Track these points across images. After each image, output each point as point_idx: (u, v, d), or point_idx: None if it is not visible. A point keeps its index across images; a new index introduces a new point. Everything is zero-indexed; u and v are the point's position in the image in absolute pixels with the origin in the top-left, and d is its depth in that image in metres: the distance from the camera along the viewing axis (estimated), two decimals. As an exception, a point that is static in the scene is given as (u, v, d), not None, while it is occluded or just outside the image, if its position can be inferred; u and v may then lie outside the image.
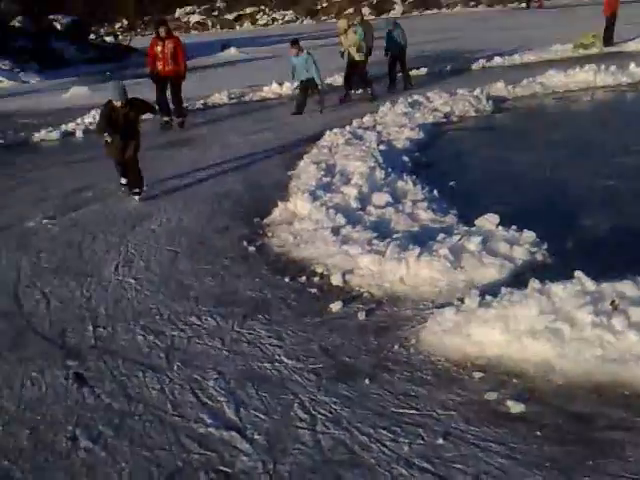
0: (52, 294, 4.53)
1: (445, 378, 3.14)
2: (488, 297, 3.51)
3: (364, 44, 12.11)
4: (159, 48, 10.15)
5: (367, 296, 4.13)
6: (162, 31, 10.22)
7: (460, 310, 3.47)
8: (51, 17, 32.17)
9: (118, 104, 6.23)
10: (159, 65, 10.24)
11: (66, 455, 2.82)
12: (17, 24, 28.41)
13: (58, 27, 31.24)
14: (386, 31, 13.23)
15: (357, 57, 11.96)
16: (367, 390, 3.11)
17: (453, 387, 3.06)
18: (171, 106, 10.72)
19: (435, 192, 5.65)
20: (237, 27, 55.78)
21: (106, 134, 6.32)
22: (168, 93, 10.56)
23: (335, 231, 4.97)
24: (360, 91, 12.68)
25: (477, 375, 3.13)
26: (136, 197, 6.69)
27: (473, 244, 4.25)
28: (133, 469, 2.70)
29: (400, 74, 13.42)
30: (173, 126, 10.74)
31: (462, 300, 3.61)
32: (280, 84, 14.37)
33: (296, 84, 11.99)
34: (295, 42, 10.99)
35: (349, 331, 3.71)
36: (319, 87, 11.06)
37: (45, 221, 6.18)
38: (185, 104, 11.23)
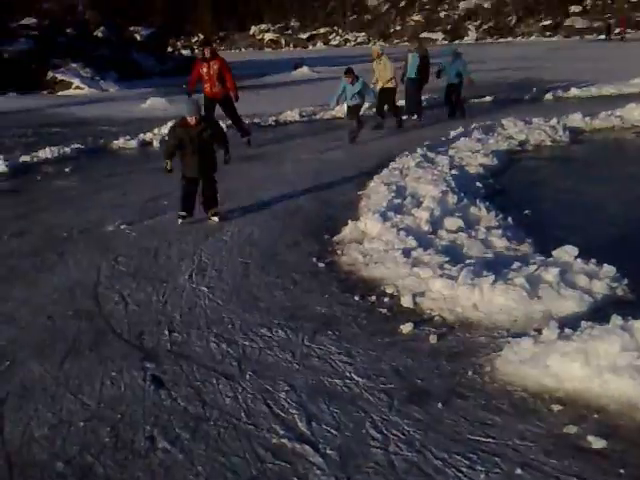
0: (130, 297, 4.69)
1: (522, 408, 3.09)
2: (567, 330, 3.44)
3: (400, 72, 12.52)
4: (204, 69, 9.88)
5: (439, 320, 4.11)
6: (207, 52, 9.95)
7: (538, 341, 3.41)
8: (132, 29, 33.58)
9: (192, 121, 5.97)
10: (206, 87, 10.00)
11: (145, 454, 2.91)
12: (100, 34, 29.71)
13: (138, 38, 32.54)
14: (448, 59, 13.12)
15: (388, 84, 11.94)
16: (441, 414, 3.09)
17: (531, 418, 3.00)
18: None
19: (509, 219, 5.58)
20: (310, 46, 56.73)
21: (168, 162, 6.22)
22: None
23: (406, 253, 4.97)
24: (415, 117, 12.97)
25: (556, 408, 3.06)
26: (215, 218, 6.47)
27: (551, 275, 4.18)
28: (210, 473, 2.76)
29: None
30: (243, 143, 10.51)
31: (540, 331, 3.55)
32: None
33: (337, 107, 12.26)
34: (349, 71, 10.66)
35: (421, 354, 3.70)
36: (363, 107, 11.08)
37: (123, 226, 6.41)
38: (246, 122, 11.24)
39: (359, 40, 58.17)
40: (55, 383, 3.52)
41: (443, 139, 9.46)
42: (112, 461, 2.87)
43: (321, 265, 5.21)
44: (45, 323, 4.29)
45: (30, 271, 5.27)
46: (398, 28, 58.18)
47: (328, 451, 2.88)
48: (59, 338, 4.05)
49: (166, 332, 4.12)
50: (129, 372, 3.63)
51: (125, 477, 2.76)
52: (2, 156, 9.79)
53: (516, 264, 4.44)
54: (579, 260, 4.42)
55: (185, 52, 36.24)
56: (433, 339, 3.82)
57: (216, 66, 9.83)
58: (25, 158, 10.13)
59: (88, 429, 3.11)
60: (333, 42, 59.35)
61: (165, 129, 12.24)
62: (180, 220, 6.33)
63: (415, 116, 13.08)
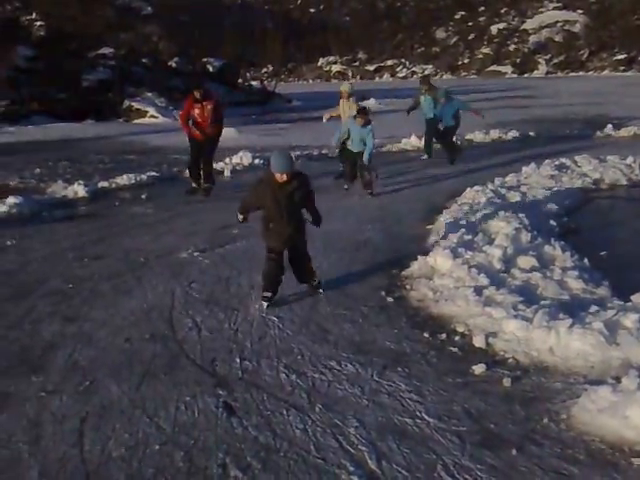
0: (202, 323, 4.81)
1: (600, 460, 2.99)
2: (649, 378, 3.31)
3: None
4: (197, 111, 9.23)
5: (512, 362, 4.03)
6: (197, 94, 9.20)
7: (617, 390, 3.30)
8: (204, 60, 34.81)
9: (282, 178, 4.80)
10: (197, 131, 9.35)
11: (217, 482, 2.96)
12: (173, 64, 30.92)
13: (210, 69, 33.68)
14: (441, 101, 12.33)
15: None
16: (515, 461, 3.02)
17: (609, 471, 2.90)
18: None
19: (585, 261, 5.45)
20: (377, 78, 57.32)
21: (242, 216, 5.23)
22: None
23: (478, 291, 4.91)
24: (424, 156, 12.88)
25: (636, 462, 2.95)
26: (320, 290, 5.42)
27: (630, 321, 4.05)
28: (280, 505, 2.78)
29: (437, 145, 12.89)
30: (199, 192, 9.72)
31: (618, 379, 3.43)
32: (419, 137, 14.52)
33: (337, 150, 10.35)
34: (364, 111, 9.34)
35: (494, 397, 3.63)
36: (365, 164, 9.36)
37: (196, 254, 6.59)
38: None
39: (426, 72, 58.34)
40: (132, 405, 3.63)
41: (514, 174, 9.34)
42: (186, 486, 2.93)
43: (390, 299, 5.21)
44: (123, 345, 4.44)
45: (109, 293, 5.49)
46: (466, 61, 58.02)
47: (399, 492, 2.86)
48: (136, 360, 4.19)
49: (237, 360, 4.20)
50: (202, 398, 3.71)
51: (198, 503, 2.82)
52: (82, 182, 10.28)
53: (593, 308, 4.32)
54: (661, 306, 4.27)
55: (254, 83, 37.18)
56: (507, 382, 3.75)
57: (210, 106, 9.25)
58: (103, 184, 10.60)
59: (163, 453, 3.19)
60: (400, 74, 59.72)
61: (235, 159, 12.61)
62: (266, 304, 5.10)
63: (425, 155, 13.00)
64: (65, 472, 3.04)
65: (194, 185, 9.79)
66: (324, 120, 12.04)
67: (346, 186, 9.67)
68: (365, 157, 9.15)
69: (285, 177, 4.79)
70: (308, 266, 5.34)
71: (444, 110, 12.17)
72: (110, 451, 3.21)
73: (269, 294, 5.13)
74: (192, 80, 29.32)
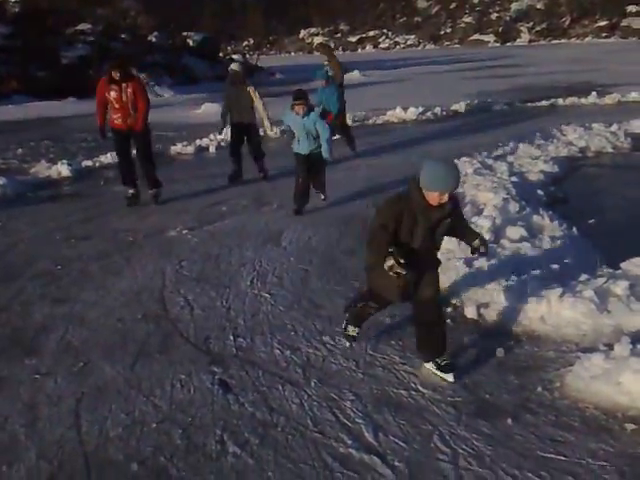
0: (195, 302, 4.79)
1: (594, 426, 3.03)
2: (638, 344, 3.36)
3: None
4: (113, 94, 7.25)
5: (504, 332, 4.06)
6: (115, 74, 7.21)
7: (609, 357, 3.34)
8: (184, 34, 34.22)
9: (443, 198, 3.28)
10: (116, 118, 7.38)
11: (216, 458, 2.97)
12: (153, 39, 30.37)
13: (190, 43, 33.14)
14: (321, 83, 10.07)
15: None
16: (510, 430, 3.06)
17: (604, 436, 2.95)
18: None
19: (574, 229, 5.48)
20: (359, 50, 56.78)
21: (393, 262, 3.28)
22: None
23: (468, 262, 4.93)
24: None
25: (629, 427, 3.00)
26: None
27: (620, 288, 4.09)
28: (279, 479, 2.80)
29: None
30: (140, 201, 7.82)
31: (611, 346, 3.47)
32: (404, 109, 14.47)
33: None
34: (301, 96, 6.79)
35: (487, 367, 3.67)
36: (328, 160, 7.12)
37: (185, 232, 6.55)
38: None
39: (409, 42, 57.87)
40: (127, 385, 3.63)
41: (500, 145, 9.33)
42: (185, 463, 2.94)
43: (381, 273, 5.21)
44: (115, 325, 4.42)
45: (98, 274, 5.45)
46: (448, 30, 57.61)
47: (396, 463, 2.89)
48: (129, 340, 4.18)
49: (231, 337, 4.20)
50: (198, 376, 3.71)
51: (198, 480, 2.84)
52: (66, 161, 10.14)
53: (584, 276, 4.36)
54: (649, 273, 4.31)
55: (236, 57, 36.67)
56: (500, 352, 3.78)
57: (130, 89, 7.28)
58: (87, 163, 10.46)
59: (161, 431, 3.20)
60: (382, 45, 59.18)
61: (220, 135, 12.44)
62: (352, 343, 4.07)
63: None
64: (63, 453, 3.04)
65: (131, 192, 7.78)
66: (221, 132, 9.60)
67: (296, 207, 7.07)
68: (325, 152, 6.84)
69: (446, 198, 3.31)
70: (443, 339, 3.66)
71: (324, 94, 9.91)
72: (107, 431, 3.21)
73: (356, 330, 4.01)
74: (172, 55, 28.94)
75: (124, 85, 7.26)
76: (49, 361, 3.94)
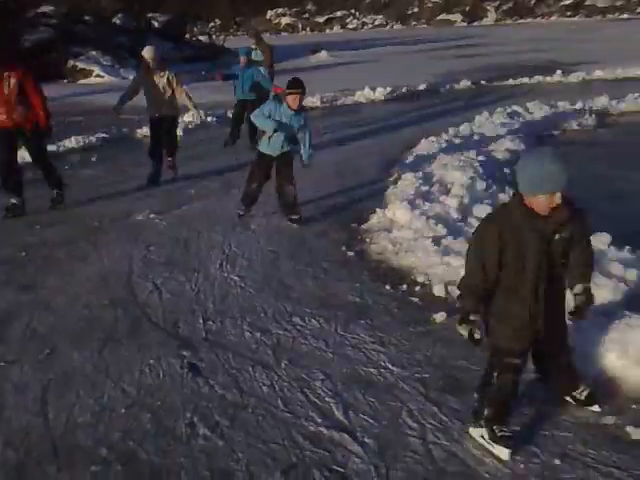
0: (163, 286, 4.75)
1: (559, 399, 3.09)
2: (602, 319, 3.43)
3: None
4: None
5: (472, 309, 4.11)
6: None
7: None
8: (149, 15, 33.58)
9: (555, 201, 2.54)
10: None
11: (186, 441, 2.97)
12: (117, 21, 29.76)
13: (155, 25, 32.55)
14: (240, 63, 9.47)
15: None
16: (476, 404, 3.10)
17: (569, 408, 3.01)
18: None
19: (540, 207, 5.54)
20: (327, 30, 56.40)
21: (473, 318, 2.69)
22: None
23: (436, 241, 4.98)
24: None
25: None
26: None
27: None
28: (250, 460, 2.81)
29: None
30: (25, 212, 6.68)
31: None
32: (372, 89, 14.45)
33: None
34: (300, 86, 5.72)
35: (455, 343, 3.69)
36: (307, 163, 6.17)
37: (152, 215, 6.47)
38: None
39: (376, 23, 57.65)
40: (95, 371, 3.60)
41: (467, 124, 9.38)
42: (154, 447, 2.94)
43: (350, 254, 5.24)
44: (82, 312, 4.37)
45: (64, 260, 5.36)
46: (416, 10, 57.51)
47: (366, 440, 2.92)
48: (96, 326, 4.13)
49: (201, 321, 4.18)
50: (167, 360, 3.69)
51: (168, 463, 2.83)
52: (29, 145, 9.88)
53: (548, 252, 4.41)
54: (612, 248, 4.40)
55: (203, 38, 36.12)
56: (466, 328, 3.83)
57: (14, 80, 6.19)
58: (51, 147, 10.20)
59: (130, 416, 3.18)
60: (350, 25, 58.89)
61: (187, 117, 12.27)
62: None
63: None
64: (30, 441, 3.01)
65: (13, 202, 6.60)
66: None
67: (241, 212, 6.27)
68: (307, 156, 6.03)
69: (559, 200, 2.54)
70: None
71: (243, 77, 9.43)
72: (75, 417, 3.18)
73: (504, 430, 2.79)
74: (137, 37, 28.37)
75: (6, 74, 6.17)
76: (15, 348, 3.89)
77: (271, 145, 5.91)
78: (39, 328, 4.16)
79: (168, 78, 7.69)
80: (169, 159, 8.09)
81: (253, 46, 10.47)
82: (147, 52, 7.70)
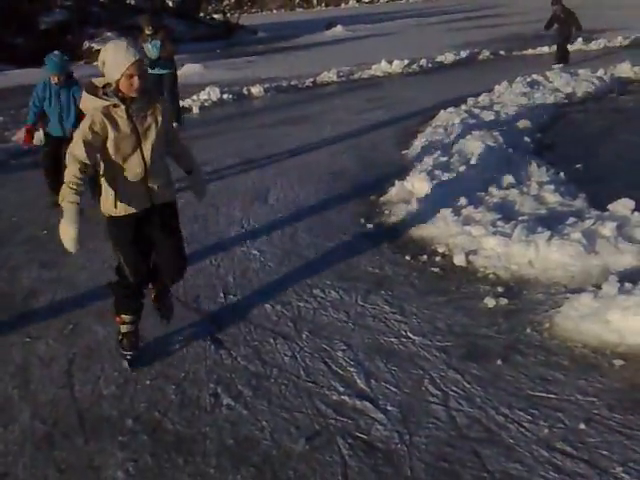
0: (183, 261, 4.76)
1: (583, 364, 3.07)
2: (627, 284, 3.38)
3: None
4: None
5: (493, 278, 4.08)
6: None
7: (598, 296, 3.36)
8: (164, -6, 33.39)
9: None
10: None
11: (210, 410, 2.99)
12: (132, 1, 29.67)
13: (170, 4, 32.40)
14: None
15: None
16: (500, 371, 3.09)
17: (593, 373, 2.99)
18: None
19: (561, 175, 5.46)
20: (342, 4, 55.68)
21: None
22: None
23: (456, 211, 4.92)
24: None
25: (618, 363, 3.04)
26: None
27: (607, 229, 4.10)
28: (274, 428, 2.83)
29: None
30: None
31: (599, 286, 3.50)
32: (390, 62, 14.28)
33: None
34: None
35: (476, 312, 3.69)
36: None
37: (171, 192, 6.47)
38: None
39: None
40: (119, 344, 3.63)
41: (486, 94, 9.24)
42: (179, 417, 2.96)
43: (369, 226, 5.21)
44: (104, 288, 4.39)
45: (85, 238, 5.34)
46: (432, -18, 56.31)
47: (389, 407, 2.92)
48: (119, 302, 4.15)
49: (222, 295, 4.20)
50: (189, 333, 3.71)
51: (193, 432, 2.86)
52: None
53: (571, 219, 4.35)
54: (636, 213, 4.32)
55: (217, 16, 35.87)
56: (488, 297, 3.80)
57: None
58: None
59: (154, 387, 3.21)
60: (366, -1, 58.11)
61: (203, 95, 12.26)
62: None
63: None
64: (57, 412, 3.06)
65: None
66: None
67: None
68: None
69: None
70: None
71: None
72: (100, 390, 3.22)
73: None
74: (152, 17, 28.24)
75: None
76: (39, 324, 3.94)
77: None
78: (62, 304, 4.20)
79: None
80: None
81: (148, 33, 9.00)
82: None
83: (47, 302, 4.24)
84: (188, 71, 16.78)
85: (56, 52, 6.00)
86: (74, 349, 3.62)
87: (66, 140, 5.38)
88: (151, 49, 8.84)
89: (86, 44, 23.43)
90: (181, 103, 11.69)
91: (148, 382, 3.26)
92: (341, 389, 3.09)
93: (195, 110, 11.50)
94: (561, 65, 12.48)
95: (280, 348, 3.50)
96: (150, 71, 8.52)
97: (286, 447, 2.71)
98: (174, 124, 8.46)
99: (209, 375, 3.28)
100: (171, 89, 8.94)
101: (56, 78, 5.85)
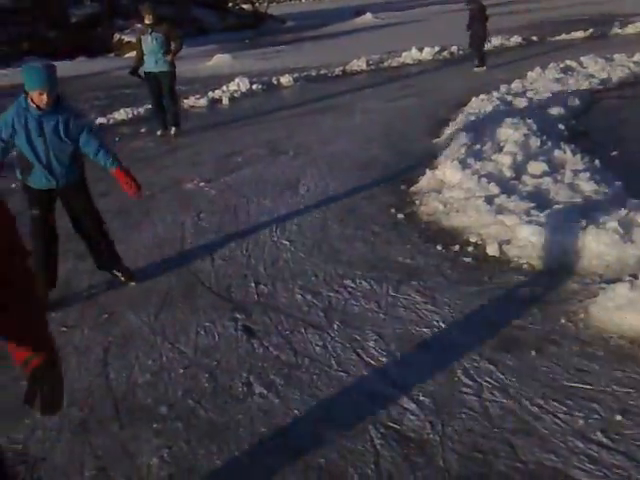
0: (215, 252, 4.80)
1: (619, 355, 3.02)
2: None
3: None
4: None
5: (527, 268, 4.03)
6: None
7: (634, 286, 3.29)
8: (193, -15, 33.47)
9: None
10: None
11: (243, 399, 3.02)
12: (161, -7, 29.81)
13: (199, -5, 32.46)
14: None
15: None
16: (534, 362, 3.05)
17: (629, 364, 2.94)
18: None
19: (597, 162, 5.35)
20: (370, -7, 55.04)
21: None
22: None
23: (489, 200, 4.86)
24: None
25: (655, 354, 2.98)
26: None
27: (644, 218, 4.01)
28: (306, 417, 2.84)
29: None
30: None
31: (635, 276, 3.42)
32: (420, 50, 14.14)
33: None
34: None
35: (510, 302, 3.65)
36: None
37: (202, 184, 6.53)
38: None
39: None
40: (153, 333, 3.68)
41: (519, 80, 9.09)
42: (213, 405, 2.99)
43: (400, 216, 5.18)
44: (138, 278, 4.46)
45: (118, 229, 5.46)
46: (463, -33, 55.51)
47: (421, 397, 2.91)
48: (152, 291, 4.22)
49: (252, 284, 4.22)
50: (221, 323, 3.75)
51: (226, 420, 2.88)
52: (80, 119, 10.07)
53: (607, 208, 4.27)
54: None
55: (246, 6, 35.88)
56: (522, 287, 3.75)
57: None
58: (101, 120, 10.41)
59: (188, 375, 3.25)
60: (395, -13, 57.43)
61: (233, 86, 12.30)
62: None
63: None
64: (93, 399, 3.11)
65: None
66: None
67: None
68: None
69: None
70: None
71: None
72: (136, 378, 3.27)
73: None
74: (181, 8, 28.39)
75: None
76: (75, 314, 4.01)
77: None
78: (97, 295, 4.27)
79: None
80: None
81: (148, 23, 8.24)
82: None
83: (82, 292, 4.31)
84: (218, 62, 16.85)
85: (41, 62, 4.01)
86: (109, 338, 3.67)
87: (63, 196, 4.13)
88: (151, 42, 8.16)
89: (116, 36, 23.65)
90: (211, 94, 11.77)
91: (182, 371, 3.29)
92: (373, 379, 3.08)
93: (225, 101, 11.54)
94: (484, 68, 11.93)
95: (311, 338, 3.51)
96: (148, 69, 8.28)
97: (318, 436, 2.72)
98: (172, 128, 8.59)
99: (241, 364, 3.30)
100: (170, 89, 8.40)
101: (42, 97, 3.77)
